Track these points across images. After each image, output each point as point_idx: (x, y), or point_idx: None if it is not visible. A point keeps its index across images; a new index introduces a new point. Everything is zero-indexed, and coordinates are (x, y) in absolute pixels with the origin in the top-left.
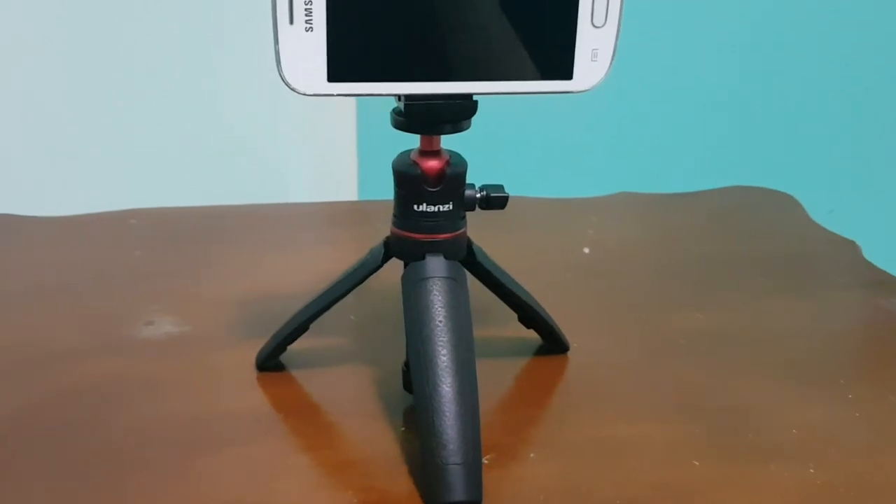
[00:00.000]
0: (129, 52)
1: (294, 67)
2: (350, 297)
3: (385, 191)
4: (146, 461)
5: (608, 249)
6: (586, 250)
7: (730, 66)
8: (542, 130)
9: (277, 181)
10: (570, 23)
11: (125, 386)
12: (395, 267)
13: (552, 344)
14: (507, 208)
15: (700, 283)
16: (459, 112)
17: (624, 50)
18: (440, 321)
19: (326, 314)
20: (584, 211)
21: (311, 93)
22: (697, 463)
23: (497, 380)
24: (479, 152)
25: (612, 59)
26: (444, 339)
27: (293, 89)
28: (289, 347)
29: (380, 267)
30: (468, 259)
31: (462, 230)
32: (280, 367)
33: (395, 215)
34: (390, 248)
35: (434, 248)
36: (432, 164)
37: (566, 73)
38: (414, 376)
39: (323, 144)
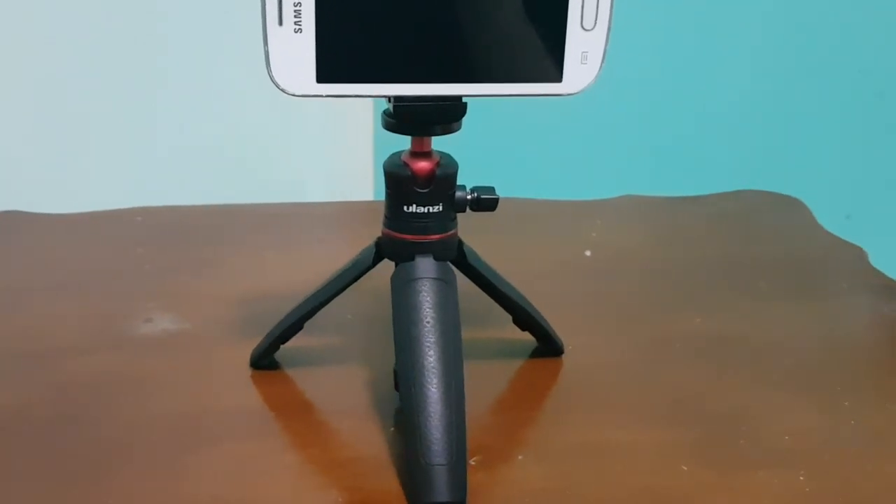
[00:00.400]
0: (146, 50)
1: (283, 68)
2: (347, 297)
3: None
4: (136, 457)
5: (610, 252)
6: (588, 253)
7: (745, 69)
8: (549, 133)
9: (294, 181)
10: (560, 25)
11: (120, 382)
12: (393, 267)
13: (546, 346)
14: (509, 210)
15: (700, 286)
16: (448, 114)
17: (633, 51)
18: (428, 322)
19: (324, 313)
20: (587, 213)
21: (300, 93)
22: (686, 468)
23: (489, 382)
24: (487, 154)
25: (602, 61)
26: (432, 340)
27: (282, 90)
28: (285, 346)
29: (371, 267)
30: (460, 260)
31: (453, 231)
32: (275, 366)
33: (385, 216)
34: (381, 249)
35: (424, 248)
36: (422, 165)
37: (556, 76)
38: (401, 377)
39: (340, 144)
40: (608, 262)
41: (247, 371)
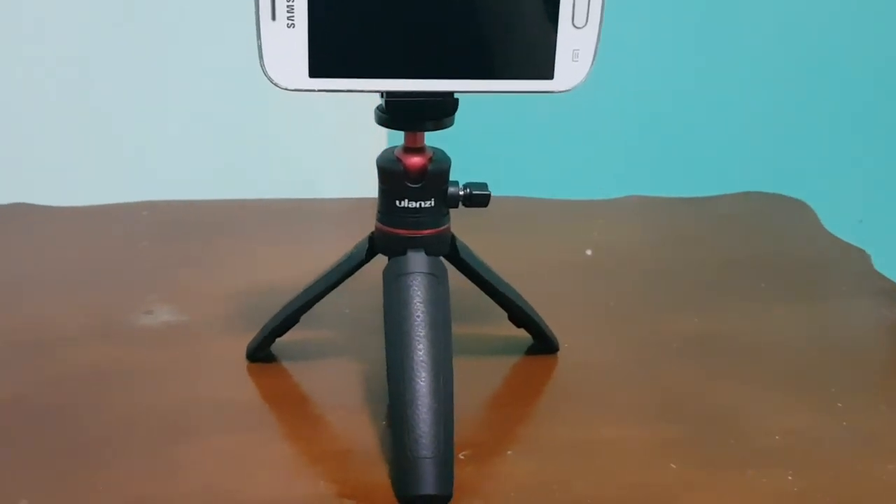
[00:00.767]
0: (158, 44)
1: (276, 63)
2: (345, 291)
3: None
4: (128, 447)
5: (611, 252)
6: (588, 252)
7: (758, 68)
8: (556, 133)
9: (308, 177)
10: (551, 23)
11: (116, 373)
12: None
13: (542, 343)
14: (512, 209)
15: (701, 287)
16: (439, 109)
17: (643, 50)
18: (418, 316)
19: (321, 307)
20: (591, 213)
21: (293, 88)
22: (675, 466)
23: (483, 377)
24: (493, 153)
25: (594, 59)
26: (422, 334)
27: (275, 84)
28: (282, 339)
29: (365, 261)
30: (453, 256)
31: (445, 226)
32: (271, 359)
33: (379, 211)
34: (374, 244)
35: (416, 243)
36: (415, 160)
37: (547, 73)
38: (389, 370)
39: (354, 141)
40: (608, 261)
41: (243, 364)
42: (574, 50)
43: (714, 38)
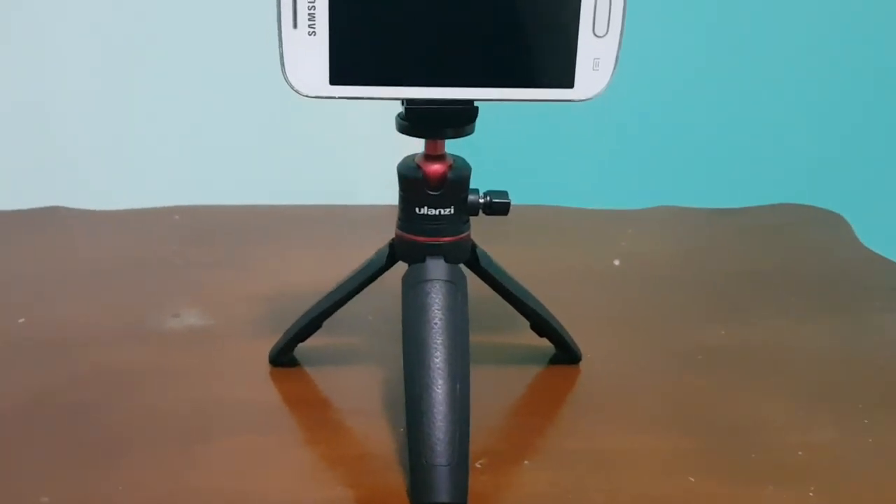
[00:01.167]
0: (197, 50)
1: (297, 70)
2: (368, 298)
3: None
4: (146, 446)
5: (639, 262)
6: (616, 262)
7: (800, 76)
8: (591, 141)
9: (345, 184)
10: (571, 31)
11: (141, 374)
12: None
13: (564, 353)
14: (541, 217)
15: (728, 299)
16: (459, 117)
17: (674, 60)
18: (436, 323)
19: (345, 313)
20: (621, 222)
21: (314, 95)
22: (693, 479)
23: (503, 386)
24: (525, 162)
25: (615, 68)
26: (439, 342)
27: (296, 91)
28: (305, 344)
29: (385, 267)
30: (473, 263)
31: (465, 234)
32: (294, 363)
33: (399, 217)
34: (395, 250)
35: (435, 250)
36: (435, 167)
37: (567, 82)
38: (406, 376)
39: (392, 147)
40: (636, 271)
41: (266, 367)
42: (595, 59)
43: (748, 47)
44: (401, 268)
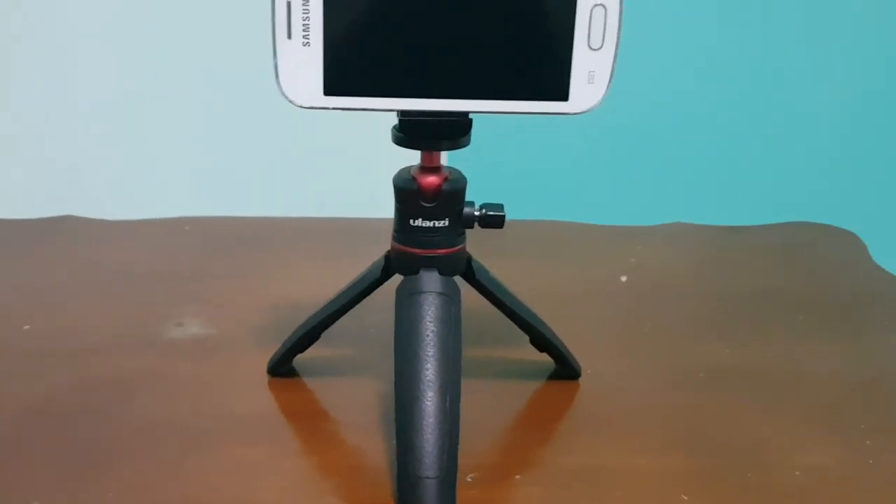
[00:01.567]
0: (213, 63)
1: (292, 80)
2: (370, 311)
3: None
4: (142, 454)
5: (647, 278)
6: (623, 278)
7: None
8: (610, 158)
9: (358, 195)
10: (566, 45)
11: (140, 382)
12: None
13: (563, 368)
14: (552, 233)
15: (735, 317)
16: (453, 129)
17: (691, 78)
18: (428, 335)
19: (347, 326)
20: (631, 239)
21: (308, 105)
22: (686, 498)
23: (501, 401)
24: (544, 177)
25: (610, 81)
26: (430, 354)
27: (291, 101)
28: (307, 356)
29: (380, 279)
30: (469, 276)
31: (460, 247)
32: (293, 374)
33: (395, 229)
34: (390, 262)
35: (429, 263)
36: (430, 180)
37: (562, 95)
38: (397, 388)
39: (405, 161)
40: (643, 288)
41: (264, 378)
42: (590, 72)
43: (762, 64)
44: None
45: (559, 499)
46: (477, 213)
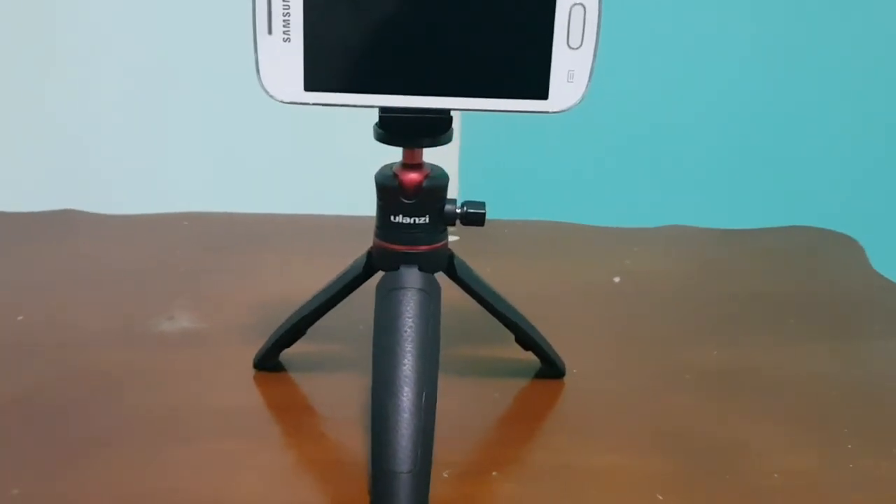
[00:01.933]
0: (208, 61)
1: (272, 76)
2: (360, 307)
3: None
4: (124, 446)
5: (640, 280)
6: (616, 279)
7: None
8: (611, 160)
9: (356, 193)
10: (545, 43)
11: (127, 375)
12: None
13: (548, 367)
14: (547, 233)
15: (725, 320)
16: (434, 126)
17: (688, 80)
18: (406, 331)
19: (335, 322)
20: (627, 240)
21: (288, 101)
22: (661, 497)
23: (483, 398)
24: (545, 178)
25: (589, 80)
26: (408, 349)
27: (271, 96)
28: (294, 351)
29: (363, 275)
30: (450, 273)
31: (441, 244)
32: (280, 368)
33: (376, 226)
34: (372, 258)
35: (410, 259)
36: (411, 176)
37: (541, 93)
38: (374, 382)
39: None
40: (635, 289)
41: (251, 372)
42: (569, 71)
43: (761, 68)
44: None
45: (534, 496)
46: (458, 211)
